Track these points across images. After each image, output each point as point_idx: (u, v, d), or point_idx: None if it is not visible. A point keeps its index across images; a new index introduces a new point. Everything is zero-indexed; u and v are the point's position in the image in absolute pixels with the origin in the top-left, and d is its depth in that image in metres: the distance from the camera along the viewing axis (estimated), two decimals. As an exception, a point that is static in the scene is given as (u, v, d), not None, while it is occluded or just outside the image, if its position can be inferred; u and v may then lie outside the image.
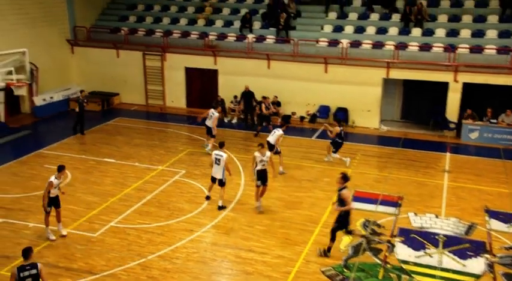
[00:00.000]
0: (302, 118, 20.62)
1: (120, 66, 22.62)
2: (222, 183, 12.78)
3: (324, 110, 20.21)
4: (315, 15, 22.19)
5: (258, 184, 12.57)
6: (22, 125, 19.43)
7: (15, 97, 19.43)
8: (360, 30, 20.89)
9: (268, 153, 12.75)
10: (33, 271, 7.84)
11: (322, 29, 21.31)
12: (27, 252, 7.94)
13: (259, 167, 12.46)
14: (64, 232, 11.36)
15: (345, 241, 11.31)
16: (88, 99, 19.43)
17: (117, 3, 25.37)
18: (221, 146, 12.95)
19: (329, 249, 10.74)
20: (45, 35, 21.27)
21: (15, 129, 18.71)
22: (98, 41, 22.93)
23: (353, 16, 21.60)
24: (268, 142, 14.98)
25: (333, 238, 10.70)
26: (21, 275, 7.76)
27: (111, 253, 10.70)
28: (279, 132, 15.13)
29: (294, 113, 20.73)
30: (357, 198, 13.52)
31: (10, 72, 15.59)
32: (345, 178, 10.44)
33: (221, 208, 12.74)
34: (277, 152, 15.14)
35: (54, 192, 10.99)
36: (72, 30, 22.96)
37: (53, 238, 11.13)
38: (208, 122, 16.58)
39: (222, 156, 12.60)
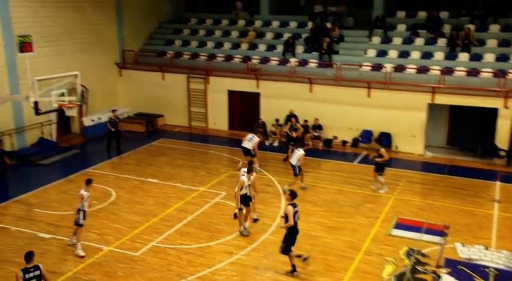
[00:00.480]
0: (344, 142, 20.43)
1: (165, 89, 23.25)
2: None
3: (366, 135, 19.96)
4: (359, 39, 22.16)
5: (241, 207, 12.46)
6: (71, 145, 20.20)
7: (66, 118, 20.23)
8: (404, 54, 20.66)
9: (251, 177, 12.60)
10: (37, 272, 8.55)
11: (365, 53, 21.22)
12: (29, 256, 8.58)
13: (243, 192, 12.38)
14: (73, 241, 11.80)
15: (387, 270, 10.99)
16: (120, 119, 20.12)
17: (164, 27, 26.23)
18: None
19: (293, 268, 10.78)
20: (95, 59, 22.21)
21: (65, 149, 19.47)
22: (145, 64, 23.69)
23: (397, 40, 21.42)
24: (290, 164, 15.50)
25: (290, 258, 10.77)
26: (26, 276, 8.40)
27: (152, 273, 10.82)
28: (300, 152, 15.32)
29: (335, 137, 20.57)
30: (400, 225, 13.19)
31: (63, 94, 16.28)
32: (292, 194, 10.69)
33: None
34: (296, 174, 15.39)
35: (86, 205, 11.47)
36: (121, 54, 23.86)
37: (83, 254, 11.43)
38: (248, 144, 16.78)
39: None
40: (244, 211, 12.59)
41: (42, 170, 17.41)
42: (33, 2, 18.97)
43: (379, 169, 15.59)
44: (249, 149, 16.77)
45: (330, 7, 23.40)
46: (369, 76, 19.98)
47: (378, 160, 15.47)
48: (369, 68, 20.30)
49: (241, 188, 12.37)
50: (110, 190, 15.23)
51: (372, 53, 21.14)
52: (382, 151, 15.34)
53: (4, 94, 17.50)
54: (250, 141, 16.71)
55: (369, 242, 12.27)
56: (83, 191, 11.39)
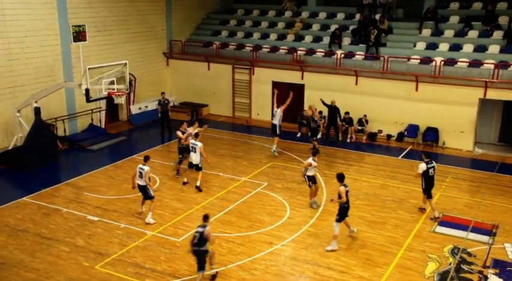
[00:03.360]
0: (389, 136, 20.04)
1: (210, 79, 23.52)
2: (198, 168, 14.66)
3: (412, 129, 19.48)
4: (408, 31, 21.57)
5: (310, 184, 13.57)
6: (119, 132, 20.83)
7: (114, 105, 20.92)
8: (455, 47, 19.95)
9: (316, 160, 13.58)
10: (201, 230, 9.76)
11: (414, 46, 20.64)
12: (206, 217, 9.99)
13: (311, 173, 13.42)
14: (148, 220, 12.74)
15: (430, 267, 10.76)
16: (168, 101, 20.85)
17: (211, 18, 26.48)
18: (196, 136, 14.71)
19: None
20: (144, 49, 22.75)
21: (113, 135, 20.11)
22: (191, 54, 24.04)
23: (449, 33, 20.70)
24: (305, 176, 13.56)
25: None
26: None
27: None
28: (308, 160, 13.31)
29: (380, 131, 20.21)
30: (445, 223, 12.87)
31: (112, 82, 16.81)
32: (339, 177, 11.50)
33: (199, 188, 14.56)
34: (309, 185, 13.53)
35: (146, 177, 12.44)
36: (169, 44, 24.30)
37: (153, 221, 12.59)
38: (275, 120, 17.61)
39: (197, 145, 14.35)
40: (313, 187, 13.66)
41: (91, 155, 18.08)
42: (88, -8, 19.67)
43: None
44: (275, 126, 17.60)
45: (380, -2, 22.91)
46: (417, 69, 19.44)
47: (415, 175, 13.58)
48: (418, 61, 19.74)
49: (306, 169, 13.42)
50: (155, 176, 15.61)
51: (421, 45, 20.54)
52: (422, 166, 12.95)
53: (59, 81, 18.23)
54: (276, 117, 17.55)
55: (411, 238, 12.03)
56: (146, 168, 12.32)
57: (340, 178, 11.48)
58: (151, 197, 12.60)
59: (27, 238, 11.84)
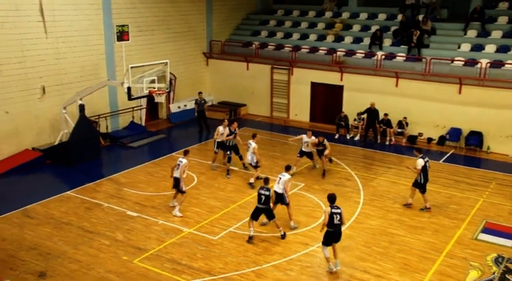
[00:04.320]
0: (430, 140, 19.57)
1: (248, 79, 23.64)
2: (255, 166, 15.17)
3: (454, 133, 18.96)
4: (452, 33, 21.01)
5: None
6: (159, 130, 21.24)
7: (155, 104, 21.35)
8: (503, 49, 19.28)
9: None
10: (267, 193, 11.61)
11: (459, 47, 20.08)
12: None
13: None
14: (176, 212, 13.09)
15: (472, 275, 10.45)
16: (205, 100, 20.98)
17: (251, 19, 26.61)
18: (253, 137, 15.21)
19: None
20: (184, 48, 23.10)
21: (153, 133, 20.53)
22: (231, 54, 24.23)
23: (496, 34, 20.03)
24: (275, 192, 12.31)
25: None
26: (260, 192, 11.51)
27: (229, 257, 11.14)
28: (284, 177, 12.26)
29: (420, 134, 19.78)
30: (488, 230, 12.47)
31: (153, 81, 17.18)
32: (329, 198, 10.55)
33: (252, 185, 14.86)
34: (286, 204, 12.42)
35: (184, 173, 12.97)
36: (209, 44, 24.58)
37: (180, 214, 12.94)
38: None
39: (251, 144, 14.91)
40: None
41: (131, 152, 18.51)
42: (132, -7, 20.16)
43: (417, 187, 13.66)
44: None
45: (423, -1, 22.42)
46: (461, 72, 18.91)
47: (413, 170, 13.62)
48: (462, 63, 19.19)
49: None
50: (192, 174, 15.83)
51: (466, 47, 19.96)
52: (419, 162, 13.34)
53: (102, 80, 18.77)
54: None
55: (452, 245, 11.73)
56: (184, 160, 12.85)
57: (330, 199, 10.44)
58: (181, 191, 12.94)
59: (71, 230, 12.25)
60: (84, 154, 17.00)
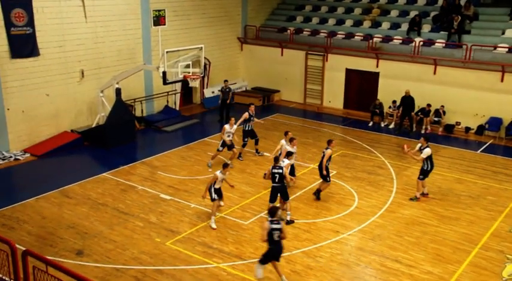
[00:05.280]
0: (467, 129, 19.04)
1: (283, 65, 23.51)
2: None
3: (494, 122, 18.37)
4: (496, 18, 20.21)
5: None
6: (192, 114, 21.47)
7: (189, 88, 21.55)
8: (549, 35, 18.48)
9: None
10: (280, 171, 11.63)
11: (503, 33, 19.32)
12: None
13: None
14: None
15: (508, 269, 10.20)
16: (230, 89, 20.41)
17: (286, 3, 26.33)
18: (291, 139, 13.64)
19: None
20: (219, 33, 23.14)
21: (186, 117, 20.77)
22: (265, 39, 24.11)
23: (542, 19, 19.19)
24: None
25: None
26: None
27: (259, 242, 11.20)
28: (286, 162, 12.47)
29: (458, 123, 19.26)
30: (526, 224, 12.08)
31: (188, 66, 17.32)
32: (269, 211, 9.49)
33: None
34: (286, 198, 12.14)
35: (218, 185, 11.97)
36: (243, 29, 24.53)
37: (214, 226, 11.80)
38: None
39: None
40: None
41: (165, 136, 18.81)
42: (169, -22, 20.24)
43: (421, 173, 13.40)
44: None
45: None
46: (504, 59, 18.23)
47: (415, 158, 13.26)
48: (505, 49, 18.48)
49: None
50: (225, 159, 15.95)
51: (510, 33, 19.18)
52: (425, 152, 12.95)
53: (138, 64, 19.06)
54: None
55: (488, 237, 11.46)
56: (218, 173, 11.85)
57: (270, 212, 9.42)
58: (212, 200, 11.92)
59: (106, 211, 12.63)
60: (120, 137, 17.38)
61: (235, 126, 15.31)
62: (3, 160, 15.62)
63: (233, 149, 15.36)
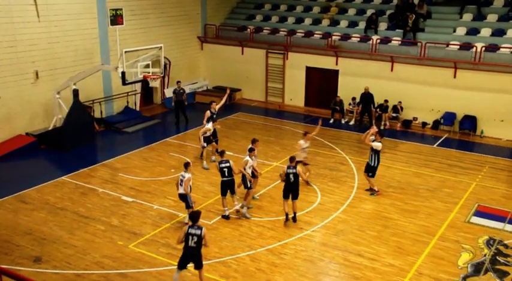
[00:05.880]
0: (424, 124, 19.62)
1: (243, 63, 23.52)
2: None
3: (449, 117, 19.01)
4: (448, 16, 20.92)
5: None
6: (153, 115, 21.16)
7: (149, 88, 21.23)
8: (498, 33, 19.23)
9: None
10: (227, 164, 11.84)
11: (454, 31, 20.02)
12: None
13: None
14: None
15: (464, 257, 10.59)
16: (184, 90, 19.99)
17: (246, 2, 26.34)
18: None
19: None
20: (179, 33, 22.91)
21: (147, 118, 20.45)
22: (225, 38, 24.05)
23: (492, 17, 19.95)
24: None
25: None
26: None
27: (224, 242, 11.22)
28: (245, 158, 12.49)
29: (415, 118, 19.82)
30: (480, 213, 12.60)
31: (147, 66, 17.05)
32: (191, 217, 9.13)
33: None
34: (249, 187, 12.38)
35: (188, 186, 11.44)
36: (203, 28, 24.38)
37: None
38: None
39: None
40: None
41: (126, 137, 18.47)
42: (125, -24, 19.85)
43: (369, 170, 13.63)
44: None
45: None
46: (456, 56, 18.89)
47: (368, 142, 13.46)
48: (457, 47, 19.15)
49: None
50: (187, 159, 15.78)
51: (461, 31, 19.90)
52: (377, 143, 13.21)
53: (96, 64, 18.62)
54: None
55: (445, 228, 11.85)
56: (186, 175, 11.32)
57: (192, 217, 9.03)
58: (188, 207, 11.50)
59: (66, 215, 12.28)
60: (79, 139, 16.95)
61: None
62: (-46, 166, 14.95)
63: (212, 143, 15.58)
